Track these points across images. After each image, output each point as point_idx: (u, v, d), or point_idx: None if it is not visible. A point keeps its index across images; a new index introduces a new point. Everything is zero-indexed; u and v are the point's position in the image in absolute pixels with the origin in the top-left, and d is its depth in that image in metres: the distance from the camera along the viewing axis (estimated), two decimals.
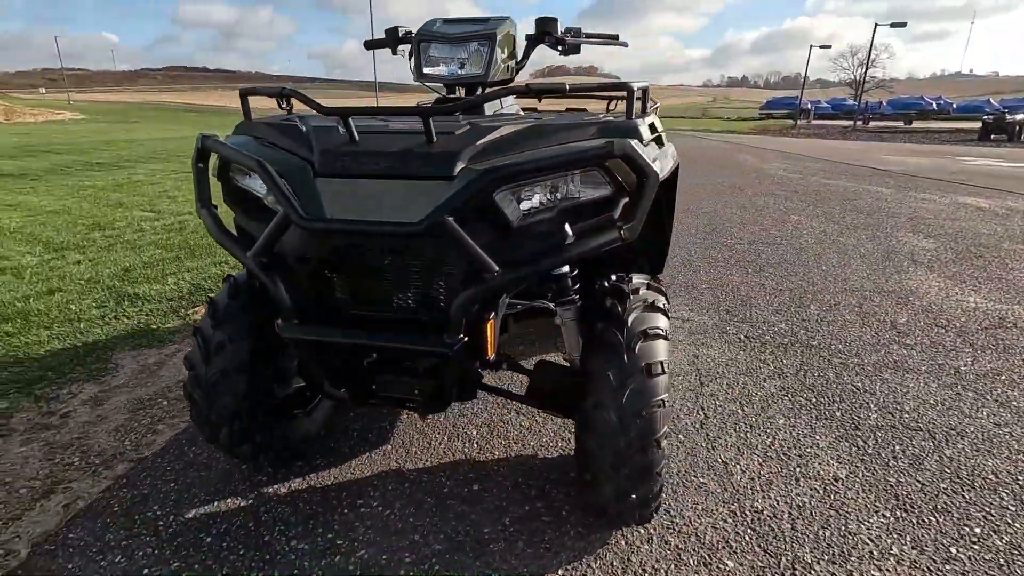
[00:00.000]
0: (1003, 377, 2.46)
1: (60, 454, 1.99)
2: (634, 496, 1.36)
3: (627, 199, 1.28)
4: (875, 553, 1.50)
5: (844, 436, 2.03)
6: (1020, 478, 1.80)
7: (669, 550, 1.52)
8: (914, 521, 1.62)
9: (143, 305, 3.44)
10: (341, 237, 1.26)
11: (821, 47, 35.82)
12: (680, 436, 2.03)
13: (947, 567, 1.46)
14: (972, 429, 2.07)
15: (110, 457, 1.97)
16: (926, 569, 1.45)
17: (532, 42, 1.85)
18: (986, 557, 1.49)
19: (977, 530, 1.58)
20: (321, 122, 1.43)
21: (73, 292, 3.69)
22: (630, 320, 1.37)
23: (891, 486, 1.77)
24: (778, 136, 23.36)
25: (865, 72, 33.68)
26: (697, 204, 6.70)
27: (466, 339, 1.25)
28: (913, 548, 1.52)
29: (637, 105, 1.40)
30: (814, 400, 2.28)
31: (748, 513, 1.65)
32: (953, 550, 1.51)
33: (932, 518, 1.63)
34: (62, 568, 1.47)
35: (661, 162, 1.42)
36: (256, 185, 1.41)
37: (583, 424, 1.36)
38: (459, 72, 1.68)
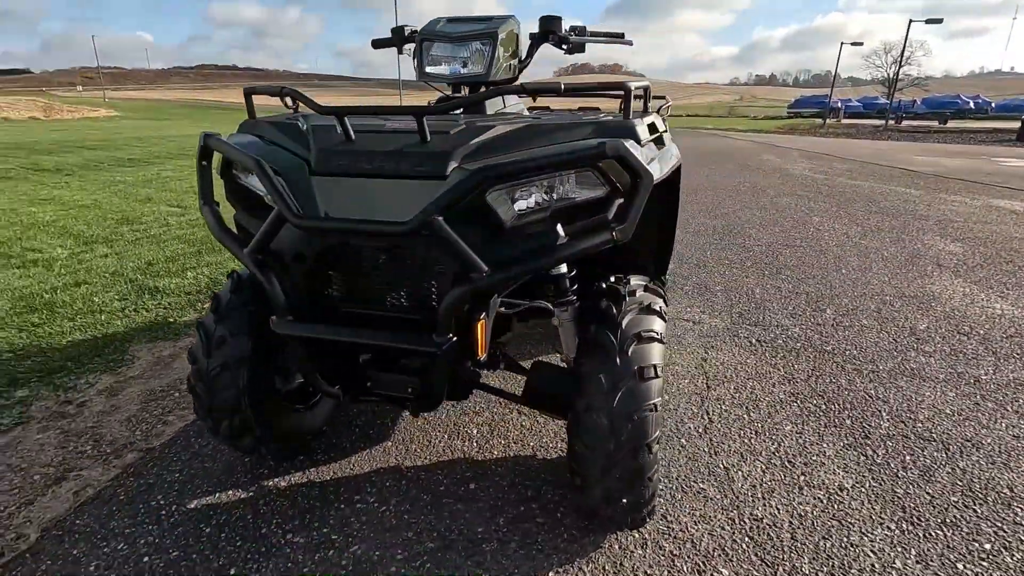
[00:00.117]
0: None
1: (74, 442, 2.06)
2: (625, 500, 1.34)
3: (622, 200, 1.26)
4: (877, 566, 1.46)
5: (853, 445, 1.98)
6: None
7: (663, 556, 1.50)
8: (920, 535, 1.57)
9: (162, 298, 3.53)
10: (332, 236, 1.27)
11: (852, 44, 34.90)
12: (682, 440, 2.00)
13: None
14: (989, 441, 2.00)
15: (121, 446, 2.02)
16: None
17: (536, 41, 1.84)
18: (994, 575, 1.44)
19: (987, 546, 1.53)
20: (322, 121, 1.44)
21: (98, 285, 3.80)
22: (624, 322, 1.35)
23: (898, 498, 1.71)
24: (806, 135, 22.85)
25: (898, 70, 32.72)
26: (716, 205, 6.60)
27: (455, 339, 1.25)
28: (918, 562, 1.47)
29: (639, 104, 1.38)
30: (824, 407, 2.23)
31: (747, 521, 1.62)
32: (960, 566, 1.46)
33: (940, 532, 1.58)
34: (67, 553, 1.51)
35: (659, 163, 1.40)
36: (257, 183, 1.43)
37: (574, 426, 1.35)
38: (461, 71, 1.68)
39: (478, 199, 1.21)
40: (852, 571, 1.44)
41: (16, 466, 1.92)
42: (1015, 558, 1.49)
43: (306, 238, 1.30)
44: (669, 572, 1.45)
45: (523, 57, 1.80)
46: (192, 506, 1.68)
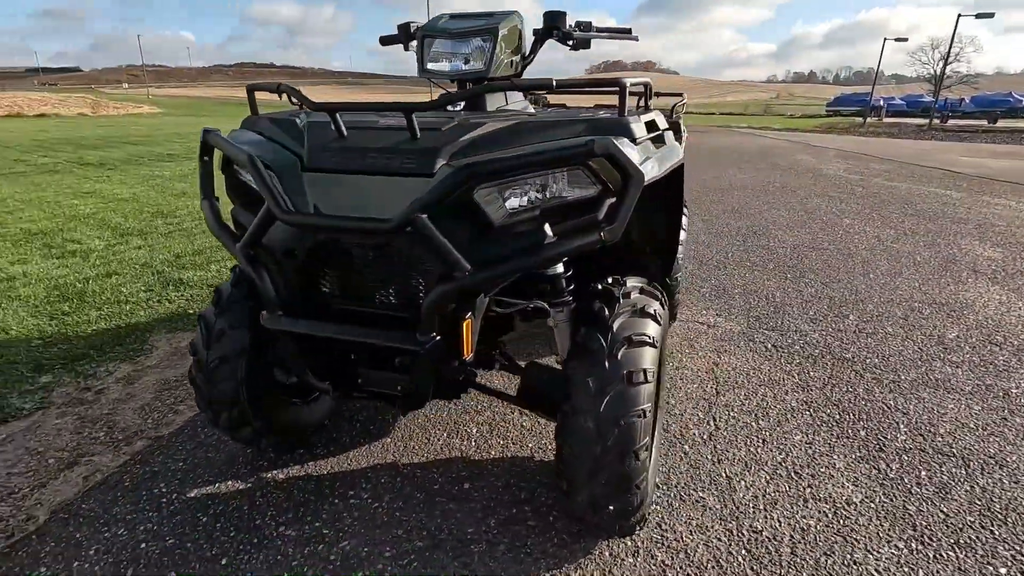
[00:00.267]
0: None
1: (89, 428, 2.12)
2: (611, 507, 1.31)
3: (613, 200, 1.23)
4: None
5: (865, 457, 1.90)
6: None
7: (654, 565, 1.46)
8: (930, 555, 1.49)
9: (185, 290, 3.63)
10: (319, 232, 1.27)
11: (897, 40, 33.54)
12: (685, 447, 1.95)
13: None
14: (1015, 459, 1.89)
15: (131, 434, 2.08)
16: None
17: (540, 37, 1.82)
18: None
19: (1003, 571, 1.45)
20: (319, 118, 1.45)
21: (127, 276, 3.93)
22: (615, 325, 1.32)
23: (910, 515, 1.64)
24: (844, 135, 22.10)
25: (944, 66, 31.34)
26: (743, 205, 6.44)
27: (439, 338, 1.24)
28: None
29: (638, 101, 1.34)
30: (837, 417, 2.14)
31: (746, 533, 1.57)
32: None
33: (952, 553, 1.50)
34: (71, 536, 1.56)
35: (656, 162, 1.36)
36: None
37: (561, 428, 1.33)
38: (463, 68, 1.67)
39: (465, 197, 1.19)
40: None
41: (34, 449, 1.99)
42: None
43: (297, 234, 1.31)
44: None
45: (526, 53, 1.78)
46: (192, 495, 1.72)
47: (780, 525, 1.59)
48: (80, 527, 1.60)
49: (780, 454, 1.92)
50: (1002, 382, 2.40)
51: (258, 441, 1.79)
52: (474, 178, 1.15)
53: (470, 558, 1.48)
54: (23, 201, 6.50)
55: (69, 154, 11.81)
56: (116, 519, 1.62)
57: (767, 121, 35.24)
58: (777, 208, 6.28)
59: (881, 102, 38.74)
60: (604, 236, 1.19)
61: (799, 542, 1.53)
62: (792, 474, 1.81)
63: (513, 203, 1.24)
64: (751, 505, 1.68)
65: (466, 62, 1.66)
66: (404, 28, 1.95)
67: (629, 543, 1.52)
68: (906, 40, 33.50)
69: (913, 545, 1.52)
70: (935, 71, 35.72)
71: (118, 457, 1.94)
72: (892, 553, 1.50)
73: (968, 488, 1.75)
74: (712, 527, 1.59)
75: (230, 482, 1.77)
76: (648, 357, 1.30)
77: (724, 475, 1.81)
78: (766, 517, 1.63)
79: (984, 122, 31.17)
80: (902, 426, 2.08)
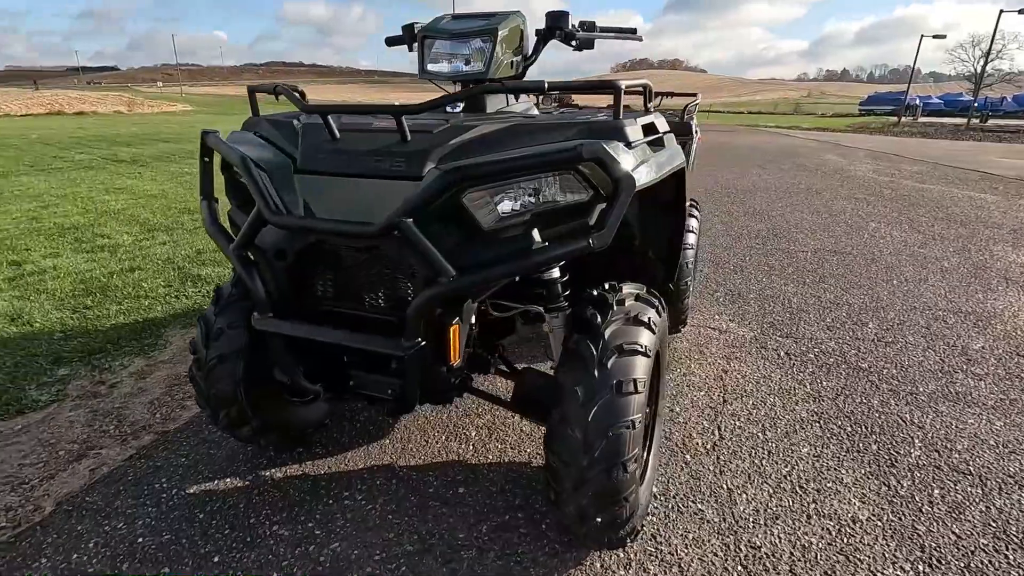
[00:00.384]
0: None
1: (100, 421, 2.17)
2: (599, 519, 1.28)
3: (604, 205, 1.20)
4: None
5: (875, 473, 1.83)
6: None
7: None
8: None
9: (202, 286, 3.69)
10: (305, 235, 1.27)
11: (934, 37, 32.47)
12: (687, 456, 1.91)
13: None
14: None
15: (140, 428, 2.12)
16: None
17: (543, 37, 1.79)
18: None
19: None
20: (317, 120, 1.45)
21: (149, 271, 4.02)
22: (607, 333, 1.29)
23: (919, 535, 1.57)
24: (876, 135, 21.49)
25: (985, 64, 30.21)
26: (765, 208, 6.30)
27: (423, 343, 1.23)
28: None
29: (637, 104, 1.31)
30: (849, 429, 2.07)
31: (743, 548, 1.52)
32: None
33: None
34: (72, 528, 1.60)
35: (652, 166, 1.32)
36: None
37: (549, 437, 1.30)
38: (463, 69, 1.65)
39: (454, 200, 1.18)
40: None
41: (46, 441, 2.04)
42: None
43: (288, 236, 1.31)
44: None
45: (528, 54, 1.76)
46: (191, 491, 1.74)
47: (780, 541, 1.54)
48: (82, 519, 1.63)
49: (785, 467, 1.86)
50: None
51: (257, 439, 1.81)
52: (460, 182, 1.13)
53: (459, 564, 1.46)
54: (59, 196, 6.71)
55: (104, 151, 12.17)
56: (117, 513, 1.66)
57: (796, 120, 34.47)
58: (800, 210, 6.12)
59: (917, 101, 37.59)
60: (593, 242, 1.17)
61: (799, 560, 1.48)
62: (797, 488, 1.76)
63: (505, 207, 1.22)
64: (751, 519, 1.63)
65: (467, 63, 1.65)
66: (408, 29, 1.94)
67: (621, 555, 1.49)
68: (944, 37, 32.40)
69: (920, 568, 1.46)
70: (975, 69, 34.48)
71: (125, 451, 1.98)
72: (897, 575, 1.44)
73: (983, 508, 1.67)
74: (709, 541, 1.55)
75: (229, 479, 1.79)
76: (640, 367, 1.27)
77: (725, 487, 1.76)
78: (766, 532, 1.58)
79: None
80: (917, 441, 2.00)
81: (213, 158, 1.50)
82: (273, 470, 1.83)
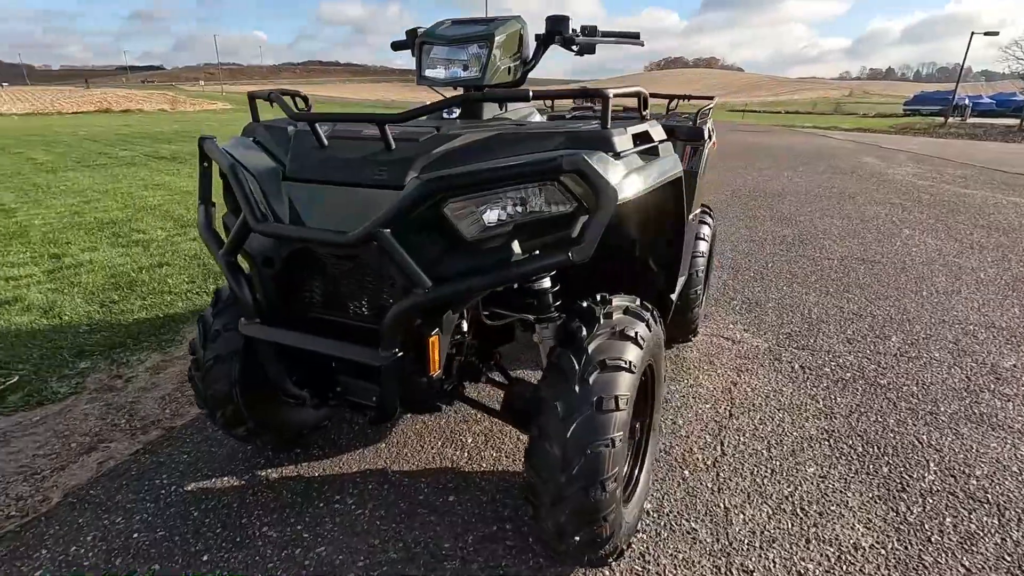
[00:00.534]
0: None
1: (113, 415, 2.25)
2: (577, 538, 1.26)
3: (586, 217, 1.17)
4: None
5: (884, 497, 1.75)
6: None
7: None
8: None
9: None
10: (287, 242, 1.28)
11: (986, 34, 30.97)
12: (685, 472, 1.86)
13: None
14: None
15: (149, 423, 2.18)
16: None
17: (543, 42, 1.76)
18: None
19: None
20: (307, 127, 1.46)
21: (176, 267, 4.15)
22: (591, 347, 1.26)
23: (925, 566, 1.49)
24: (920, 136, 20.64)
25: None
26: (793, 212, 6.11)
27: (400, 353, 1.22)
28: None
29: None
30: (860, 449, 1.98)
31: (735, 572, 1.47)
32: None
33: None
34: (73, 521, 1.65)
35: (641, 176, 1.29)
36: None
37: (528, 452, 1.28)
38: (460, 74, 1.64)
39: (435, 211, 1.17)
40: None
41: (61, 432, 2.12)
42: None
43: (275, 243, 1.32)
44: None
45: (528, 59, 1.73)
46: (189, 488, 1.78)
47: (774, 567, 1.49)
48: (84, 512, 1.69)
49: (788, 487, 1.79)
50: None
51: (253, 440, 1.84)
52: (439, 192, 1.12)
53: (442, 574, 1.45)
54: (101, 192, 6.98)
55: (146, 148, 12.63)
56: (117, 507, 1.70)
57: (836, 120, 33.37)
58: (830, 215, 5.92)
59: (966, 100, 35.93)
60: (573, 255, 1.14)
61: None
62: (798, 510, 1.69)
63: (490, 218, 1.20)
64: (746, 541, 1.57)
65: (464, 68, 1.64)
66: (412, 34, 1.94)
67: (607, 572, 1.46)
68: (997, 34, 30.93)
69: None
70: None
71: (133, 445, 2.04)
72: None
73: (999, 541, 1.58)
74: (699, 562, 1.50)
75: (226, 478, 1.83)
76: (623, 383, 1.24)
77: (722, 506, 1.71)
78: (760, 556, 1.52)
79: None
80: (932, 464, 1.90)
81: (212, 163, 1.53)
82: (269, 470, 1.86)
